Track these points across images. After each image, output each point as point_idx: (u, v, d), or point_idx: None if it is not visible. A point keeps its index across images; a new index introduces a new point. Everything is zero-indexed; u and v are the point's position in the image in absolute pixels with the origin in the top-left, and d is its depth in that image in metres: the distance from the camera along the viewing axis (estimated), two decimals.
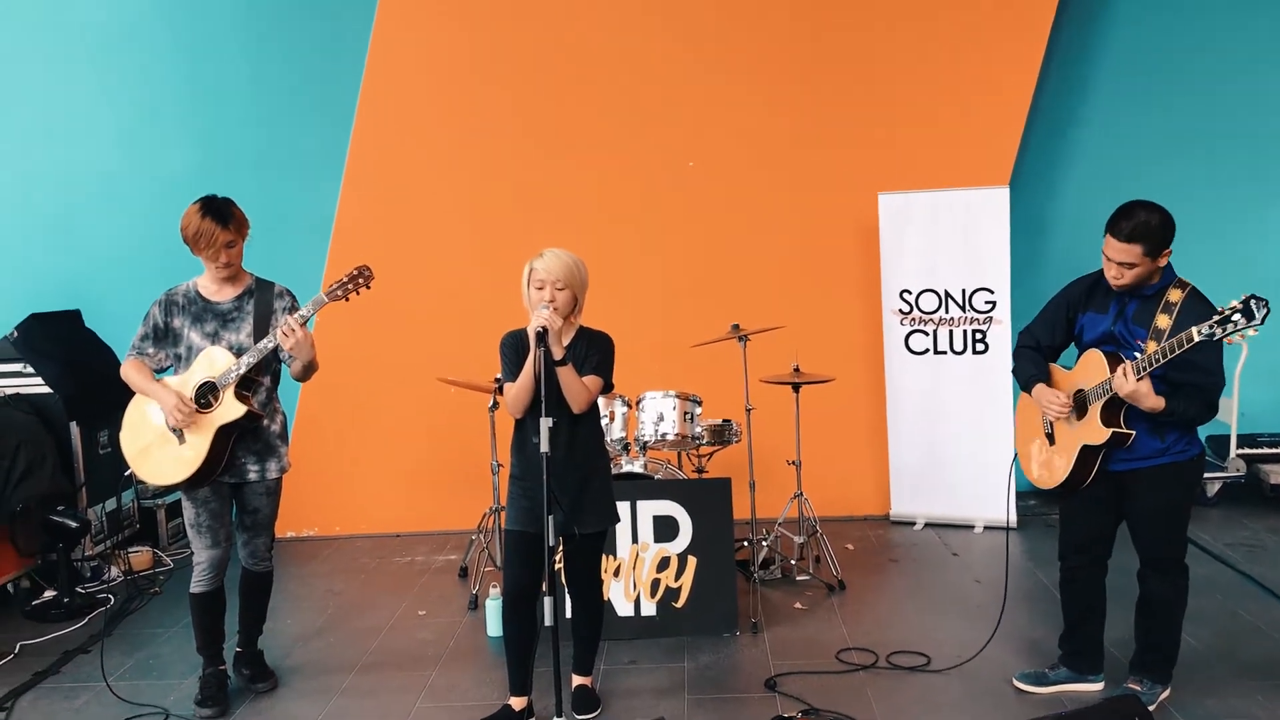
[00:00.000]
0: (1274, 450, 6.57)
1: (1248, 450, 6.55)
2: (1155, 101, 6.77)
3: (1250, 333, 3.26)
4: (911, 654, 4.50)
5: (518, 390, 3.78)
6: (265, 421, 4.19)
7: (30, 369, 5.84)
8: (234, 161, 6.79)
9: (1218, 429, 6.21)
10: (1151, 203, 3.61)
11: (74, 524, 5.42)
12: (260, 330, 4.12)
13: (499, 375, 5.46)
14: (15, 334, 5.87)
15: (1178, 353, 3.38)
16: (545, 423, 3.53)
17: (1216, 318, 3.27)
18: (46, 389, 5.81)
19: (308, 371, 4.15)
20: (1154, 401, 3.50)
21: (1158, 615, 3.83)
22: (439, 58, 6.61)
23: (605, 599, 4.58)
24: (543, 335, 3.62)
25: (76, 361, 6.03)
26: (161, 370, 4.17)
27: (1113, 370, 3.59)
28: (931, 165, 6.50)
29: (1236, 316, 3.24)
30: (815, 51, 6.54)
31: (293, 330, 3.96)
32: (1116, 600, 4.06)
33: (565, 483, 3.73)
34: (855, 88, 6.55)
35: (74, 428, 5.87)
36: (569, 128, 6.64)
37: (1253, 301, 3.23)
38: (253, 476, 4.20)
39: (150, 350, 4.14)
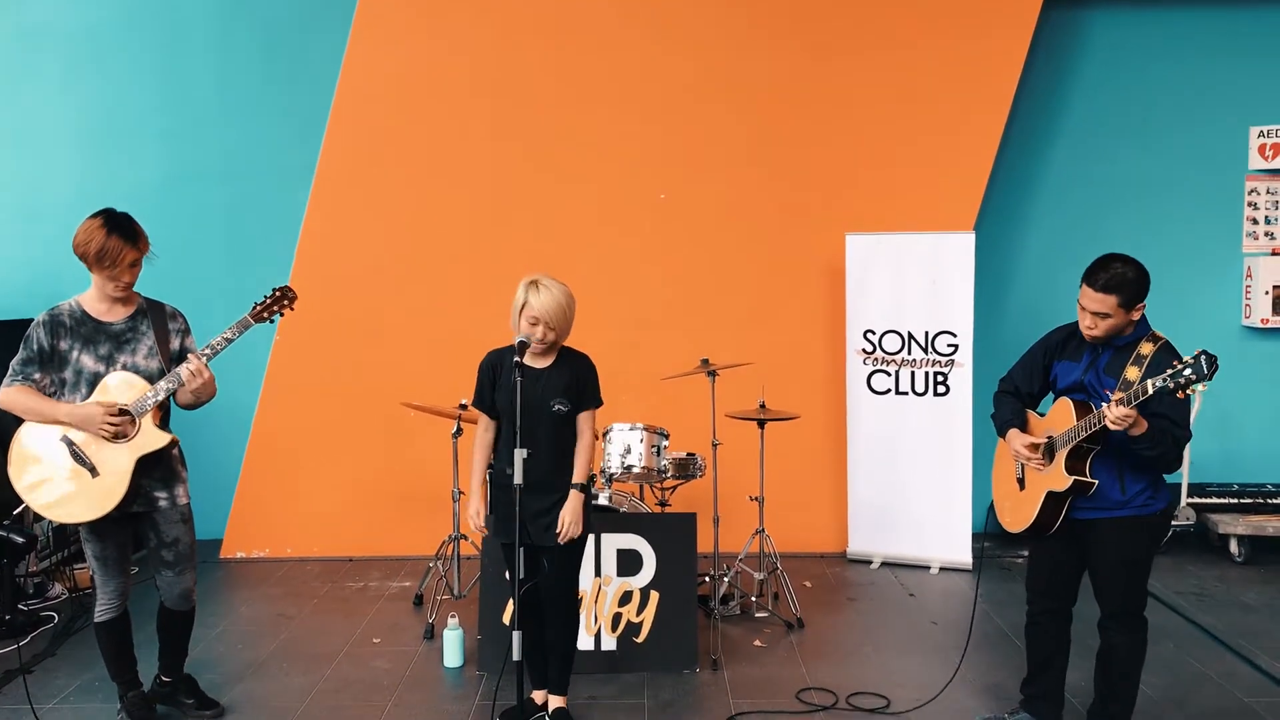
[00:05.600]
0: (1222, 500, 6.69)
1: (1197, 499, 6.66)
2: (1115, 153, 6.91)
3: (1201, 387, 3.33)
4: (871, 695, 4.51)
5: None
6: None
7: None
8: (201, 170, 6.74)
9: (1169, 477, 6.31)
10: (1127, 256, 3.68)
11: (20, 539, 5.26)
12: (163, 351, 3.96)
13: (464, 400, 5.47)
14: None
15: (1135, 404, 3.44)
16: (519, 454, 3.51)
17: (1170, 371, 3.34)
18: None
19: (199, 405, 4.00)
20: (1143, 425, 3.52)
21: (1117, 666, 3.86)
22: (414, 76, 6.58)
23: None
24: (523, 345, 3.79)
25: None
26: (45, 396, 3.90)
27: (1080, 418, 3.64)
28: (899, 209, 6.57)
29: (1188, 371, 3.30)
30: (788, 92, 6.60)
31: (200, 371, 3.83)
32: (1076, 648, 4.09)
33: (545, 495, 3.83)
34: (826, 130, 6.61)
35: None
36: (542, 154, 6.64)
37: (1203, 357, 3.30)
38: (163, 503, 4.01)
39: (36, 375, 3.87)
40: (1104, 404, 3.56)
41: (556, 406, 3.86)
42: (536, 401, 3.84)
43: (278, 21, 6.71)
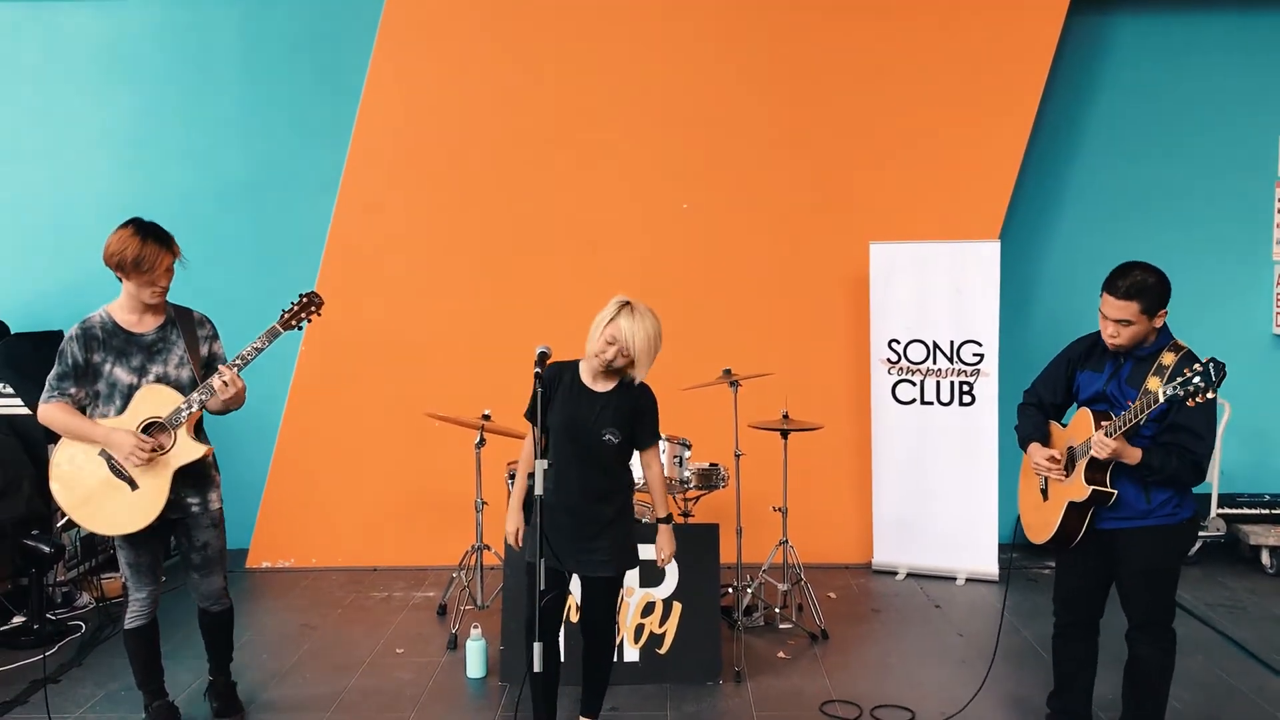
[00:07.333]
0: (1253, 511, 6.61)
1: (1228, 510, 6.59)
2: (1142, 160, 6.86)
3: (1210, 394, 3.31)
4: (896, 708, 4.47)
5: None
6: None
7: (10, 389, 5.75)
8: (227, 184, 6.81)
9: (1199, 488, 6.21)
10: (1148, 263, 3.65)
11: (48, 549, 5.31)
12: (193, 360, 3.98)
13: (487, 411, 5.49)
14: None
15: (1147, 412, 3.43)
16: (540, 465, 3.50)
17: (1179, 379, 3.33)
18: (26, 410, 5.73)
19: (227, 413, 4.04)
20: (1133, 456, 3.55)
21: (1145, 678, 3.81)
22: (437, 89, 6.62)
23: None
24: (543, 355, 3.70)
25: None
26: (80, 409, 3.92)
27: (1098, 429, 3.61)
28: (923, 218, 6.55)
29: (1196, 379, 3.29)
30: (811, 101, 6.59)
31: (234, 381, 3.86)
32: (1105, 659, 4.04)
33: (587, 523, 3.74)
34: (850, 138, 6.60)
35: (52, 450, 5.76)
36: (565, 166, 6.65)
37: (1211, 364, 3.29)
38: (195, 509, 4.04)
39: (72, 390, 3.88)
40: (1101, 426, 3.56)
41: (607, 436, 3.71)
42: (588, 425, 3.71)
43: (303, 36, 6.76)
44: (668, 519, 3.91)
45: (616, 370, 3.75)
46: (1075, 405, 3.89)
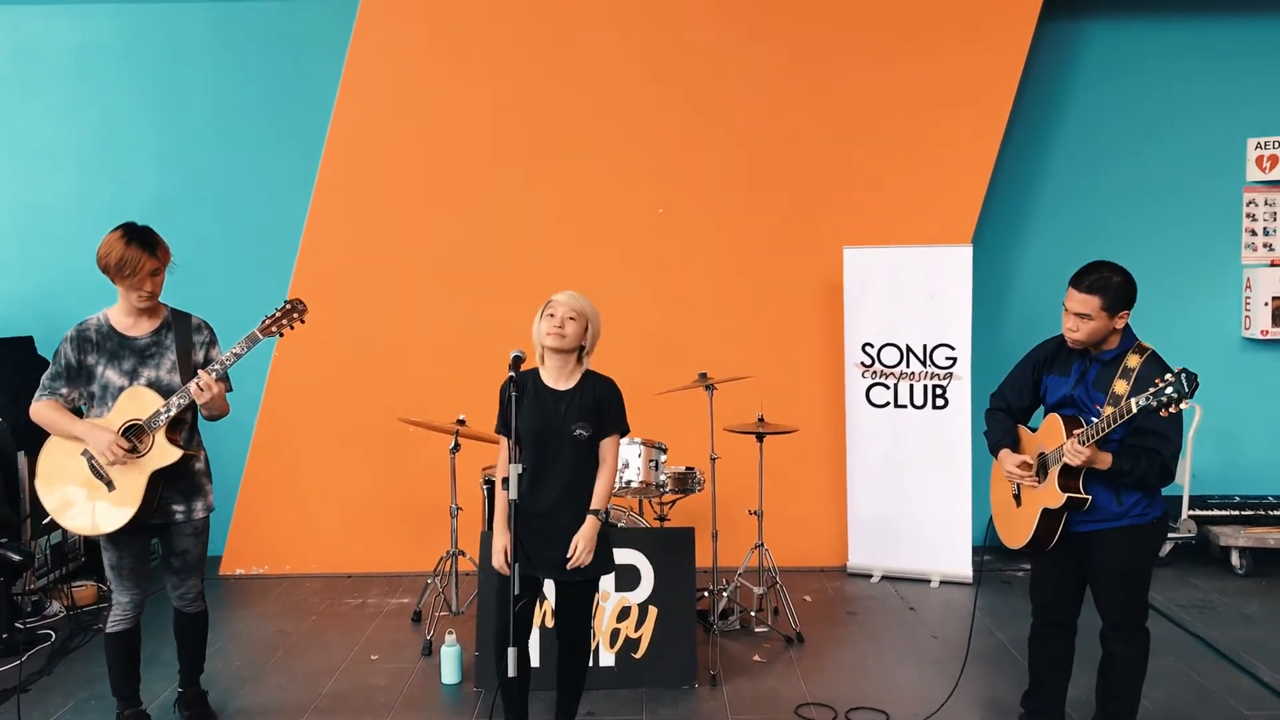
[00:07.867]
0: (1224, 512, 6.67)
1: (1198, 512, 6.64)
2: (1112, 164, 6.92)
3: (1183, 405, 3.34)
4: (871, 710, 4.48)
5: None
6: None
7: None
8: (199, 188, 6.76)
9: (1170, 490, 6.26)
10: (1117, 264, 3.70)
11: (17, 557, 5.25)
12: (184, 365, 3.97)
13: (462, 416, 5.47)
14: None
15: (1120, 422, 3.47)
16: (514, 469, 3.49)
17: (1152, 390, 3.36)
18: None
19: (217, 417, 4.03)
20: (1105, 461, 3.59)
21: (1118, 678, 3.84)
22: (412, 92, 6.60)
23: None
24: (517, 359, 3.69)
25: (27, 389, 5.87)
26: (74, 409, 3.96)
27: (1069, 435, 3.64)
28: (897, 222, 6.58)
29: (1169, 389, 3.32)
30: (785, 106, 6.61)
31: (209, 386, 3.84)
32: (1078, 659, 4.06)
33: (559, 528, 3.73)
34: (824, 143, 6.62)
35: (21, 458, 5.72)
36: (541, 171, 6.64)
37: (1184, 375, 3.32)
38: (179, 517, 4.03)
39: (64, 390, 3.93)
40: (1073, 435, 3.60)
41: (578, 431, 3.71)
42: (557, 425, 3.70)
43: (276, 38, 6.73)
44: (599, 513, 3.76)
45: (570, 351, 3.77)
46: (1042, 408, 3.92)
